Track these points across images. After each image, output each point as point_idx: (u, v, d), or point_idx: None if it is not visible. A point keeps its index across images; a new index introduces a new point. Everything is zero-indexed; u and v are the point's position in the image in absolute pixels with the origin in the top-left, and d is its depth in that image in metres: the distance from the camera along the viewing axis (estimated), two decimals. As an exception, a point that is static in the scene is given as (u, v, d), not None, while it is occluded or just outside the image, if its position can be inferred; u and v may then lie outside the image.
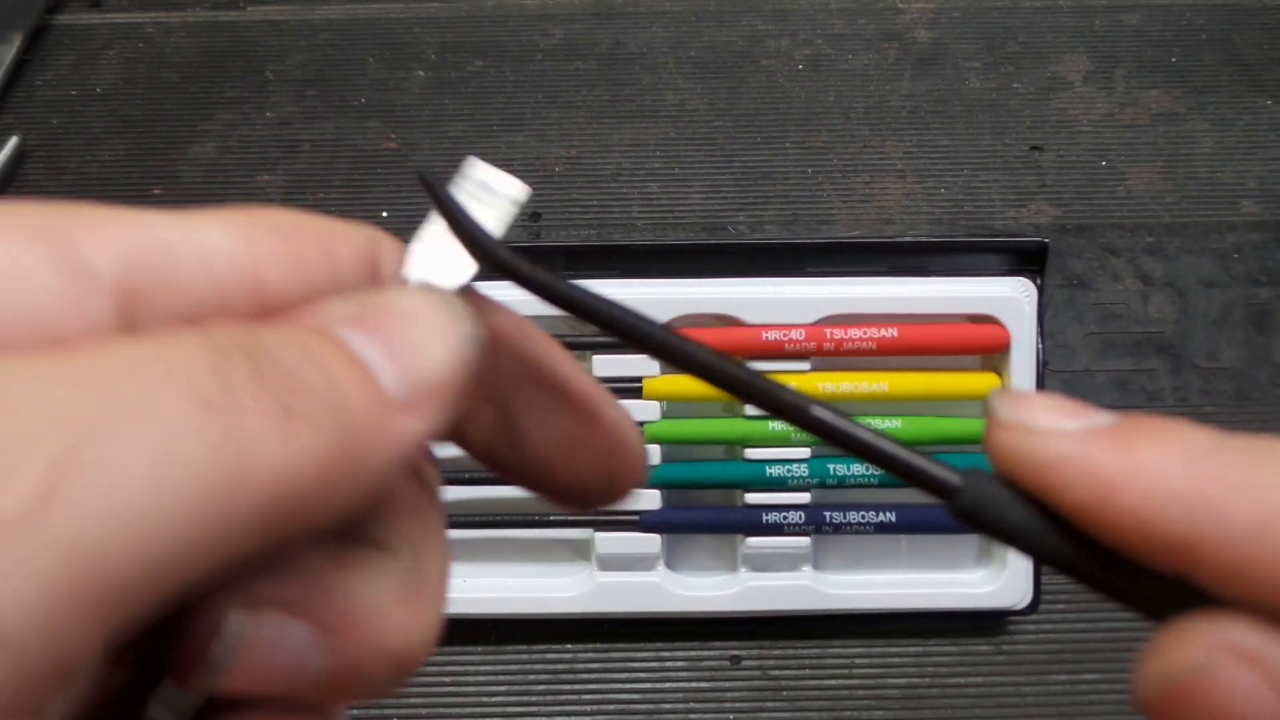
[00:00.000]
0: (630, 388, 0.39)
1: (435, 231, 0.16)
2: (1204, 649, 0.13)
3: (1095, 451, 0.14)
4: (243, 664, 0.13)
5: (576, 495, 0.18)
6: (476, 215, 0.16)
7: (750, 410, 0.39)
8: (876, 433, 0.15)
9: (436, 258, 0.16)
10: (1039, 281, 0.40)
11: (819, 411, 0.15)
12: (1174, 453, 0.13)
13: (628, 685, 0.41)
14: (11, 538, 0.10)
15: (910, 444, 0.15)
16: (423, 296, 0.15)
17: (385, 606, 0.14)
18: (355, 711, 0.40)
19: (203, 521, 0.11)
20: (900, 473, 0.15)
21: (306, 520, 0.12)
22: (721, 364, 0.15)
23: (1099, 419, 0.14)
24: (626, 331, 0.15)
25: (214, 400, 0.11)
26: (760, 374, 0.15)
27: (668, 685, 0.41)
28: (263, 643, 0.13)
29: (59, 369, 0.11)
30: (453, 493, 0.39)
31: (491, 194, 0.16)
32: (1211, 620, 0.13)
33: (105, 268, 0.13)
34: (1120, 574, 0.14)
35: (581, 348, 0.39)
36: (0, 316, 0.12)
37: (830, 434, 0.15)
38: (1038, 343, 0.39)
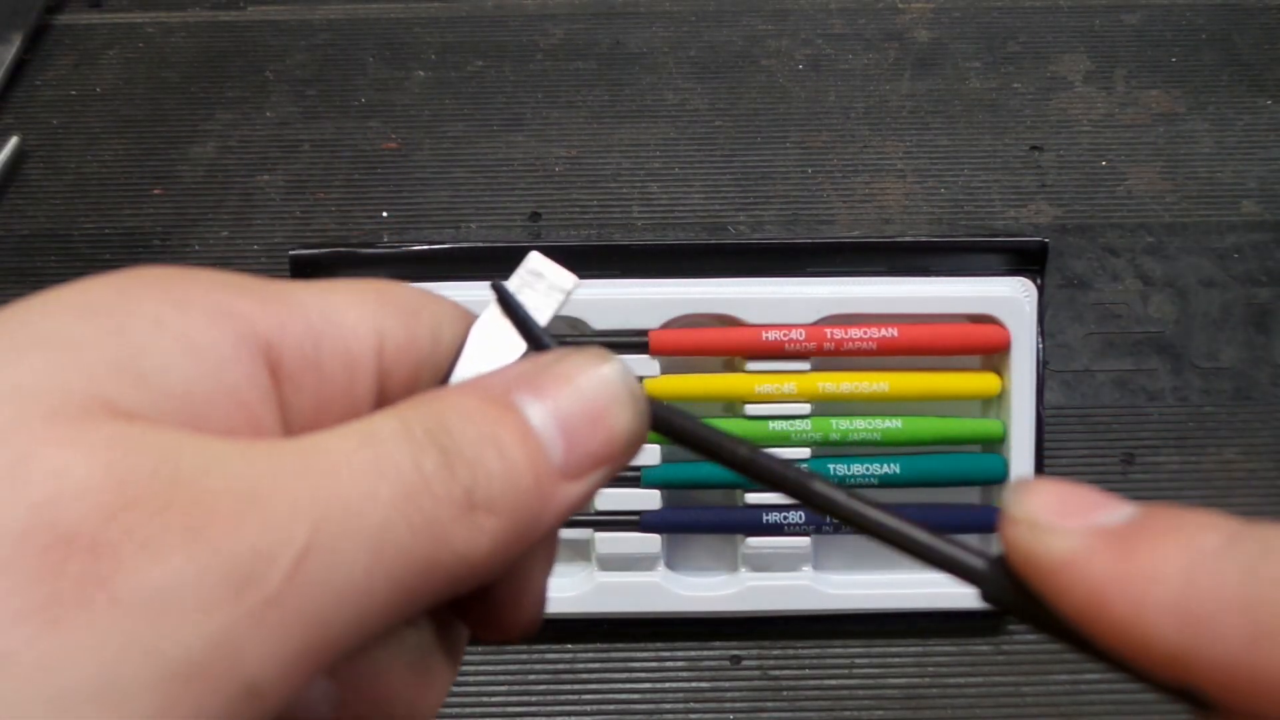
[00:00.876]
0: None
1: (492, 321, 0.17)
2: None
3: (1095, 557, 0.13)
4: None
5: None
6: (528, 302, 0.17)
7: (750, 410, 0.39)
8: (907, 520, 0.15)
9: (494, 346, 0.17)
10: (1039, 281, 0.40)
11: (862, 509, 0.15)
12: (1174, 561, 0.13)
13: (628, 685, 0.41)
14: (272, 612, 0.12)
15: (939, 534, 0.15)
16: (599, 366, 0.16)
17: (398, 675, 0.16)
18: (355, 711, 0.40)
19: (401, 596, 0.13)
20: (925, 559, 0.15)
21: (472, 584, 0.14)
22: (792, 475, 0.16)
23: (1111, 516, 0.14)
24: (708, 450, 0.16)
25: (414, 492, 0.13)
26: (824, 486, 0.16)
27: (668, 685, 0.41)
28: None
29: (293, 461, 0.13)
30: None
31: (544, 283, 0.18)
32: None
33: (271, 348, 0.15)
34: (1134, 675, 0.13)
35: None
36: (199, 390, 0.14)
37: (855, 521, 0.15)
38: (1038, 343, 0.39)
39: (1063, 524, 0.14)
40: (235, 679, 0.12)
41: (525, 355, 0.17)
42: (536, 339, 0.17)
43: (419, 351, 0.16)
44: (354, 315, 0.16)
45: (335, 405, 0.16)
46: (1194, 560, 0.13)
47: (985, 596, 0.15)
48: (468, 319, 0.17)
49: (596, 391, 0.15)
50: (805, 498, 0.16)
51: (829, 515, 0.15)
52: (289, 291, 0.16)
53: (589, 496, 0.15)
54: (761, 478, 0.16)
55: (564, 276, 0.18)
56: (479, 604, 0.17)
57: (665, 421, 0.16)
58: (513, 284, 0.17)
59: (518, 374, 0.15)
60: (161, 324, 0.14)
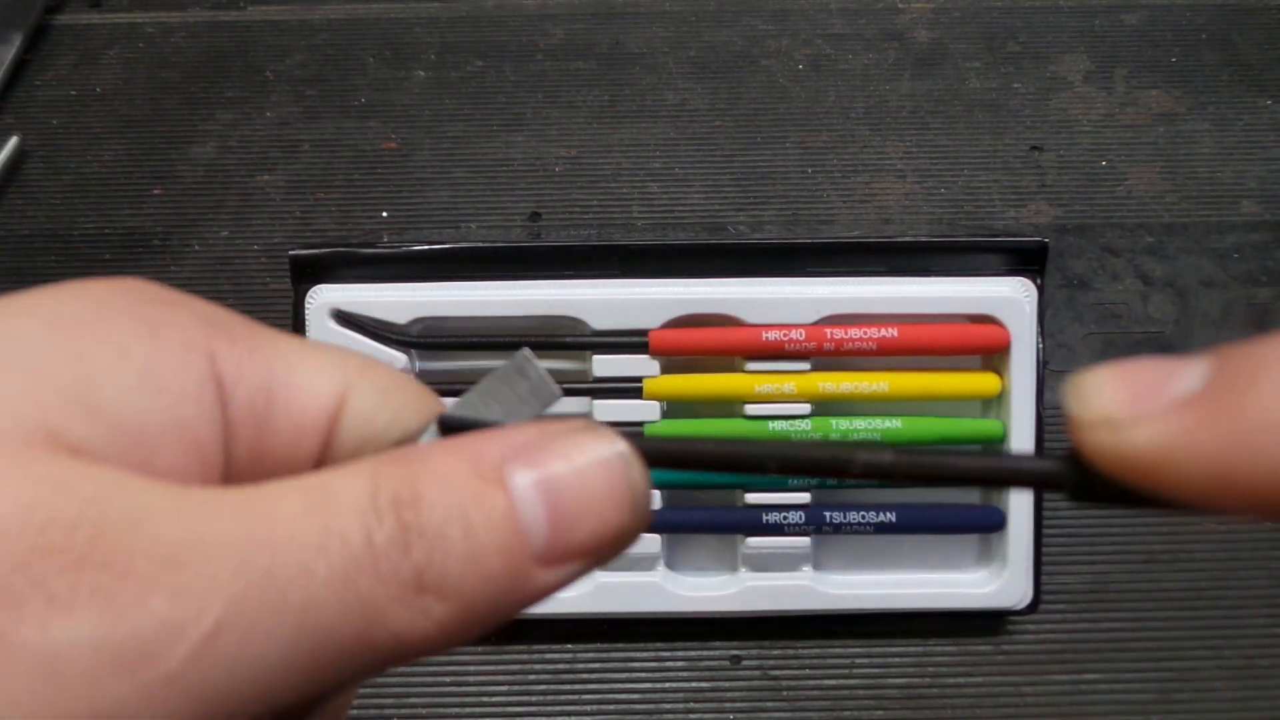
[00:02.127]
0: (630, 388, 0.39)
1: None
2: None
3: (1197, 432, 0.12)
4: None
5: None
6: (497, 402, 0.16)
7: (750, 410, 0.39)
8: (960, 454, 0.14)
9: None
10: (1039, 281, 0.40)
11: (894, 457, 0.14)
12: (1277, 398, 0.11)
13: (628, 685, 0.41)
14: (165, 689, 0.12)
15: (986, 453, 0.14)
16: (605, 447, 0.14)
17: None
18: (355, 712, 0.40)
19: (319, 673, 0.13)
20: (1000, 481, 0.14)
21: (415, 661, 0.14)
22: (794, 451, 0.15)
23: (1187, 381, 0.12)
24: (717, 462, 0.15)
25: (355, 570, 0.13)
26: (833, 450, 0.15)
27: (668, 685, 0.41)
28: None
29: (228, 521, 0.12)
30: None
31: (525, 386, 0.16)
32: None
33: (235, 388, 0.15)
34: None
35: (581, 348, 0.39)
36: (152, 426, 0.14)
37: (914, 474, 0.14)
38: (1038, 343, 0.39)
39: (1144, 411, 0.12)
40: None
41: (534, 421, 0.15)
42: None
43: (374, 429, 0.16)
44: (320, 378, 0.15)
45: (272, 459, 0.15)
46: None
47: (1075, 498, 0.14)
48: (435, 411, 0.16)
49: (597, 477, 0.14)
50: (848, 473, 0.14)
51: (879, 479, 0.14)
52: (262, 337, 0.15)
53: (565, 585, 0.14)
54: (801, 470, 0.15)
55: (548, 388, 0.16)
56: None
57: (685, 456, 0.15)
58: (491, 378, 0.16)
59: (520, 442, 0.14)
60: (126, 352, 0.14)
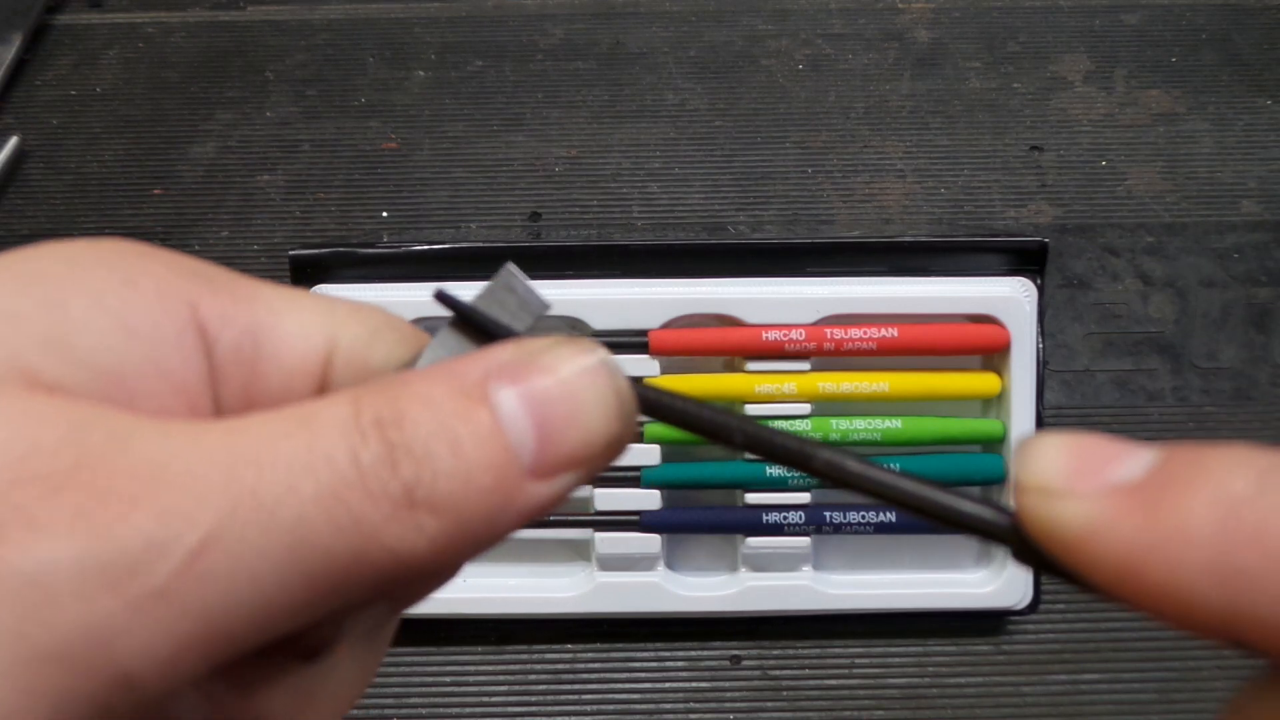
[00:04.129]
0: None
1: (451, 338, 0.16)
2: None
3: (1118, 522, 0.12)
4: None
5: None
6: (500, 319, 0.16)
7: (750, 410, 0.39)
8: (925, 484, 0.14)
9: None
10: (1039, 281, 0.40)
11: (856, 466, 0.14)
12: (1204, 515, 0.11)
13: (628, 685, 0.41)
14: (158, 605, 0.12)
15: (952, 493, 0.14)
16: (586, 358, 0.14)
17: (279, 701, 0.15)
18: (355, 712, 0.40)
19: (317, 592, 0.13)
20: (950, 522, 0.14)
21: (415, 582, 0.14)
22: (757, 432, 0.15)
23: (1128, 469, 0.12)
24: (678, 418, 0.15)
25: (347, 485, 0.13)
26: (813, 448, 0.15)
27: (668, 685, 0.41)
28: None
29: (212, 444, 0.13)
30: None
31: (514, 300, 0.16)
32: (1256, 706, 0.12)
33: (220, 334, 0.15)
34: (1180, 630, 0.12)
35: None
36: (132, 370, 0.14)
37: (869, 489, 0.14)
38: (1038, 343, 0.39)
39: (1078, 488, 0.13)
40: (108, 669, 0.11)
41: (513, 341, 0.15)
42: (505, 334, 0.16)
43: (369, 368, 0.16)
44: (307, 322, 0.15)
45: (265, 403, 0.15)
46: (1226, 511, 0.11)
47: (1015, 555, 0.14)
48: (424, 340, 0.16)
49: (580, 386, 0.14)
50: (809, 468, 0.15)
51: (835, 483, 0.14)
52: (246, 286, 0.15)
53: (560, 499, 0.14)
54: (763, 452, 0.15)
55: (537, 299, 0.16)
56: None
57: (659, 405, 0.15)
58: (480, 298, 0.16)
59: (500, 361, 0.14)
60: (102, 301, 0.14)
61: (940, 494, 0.14)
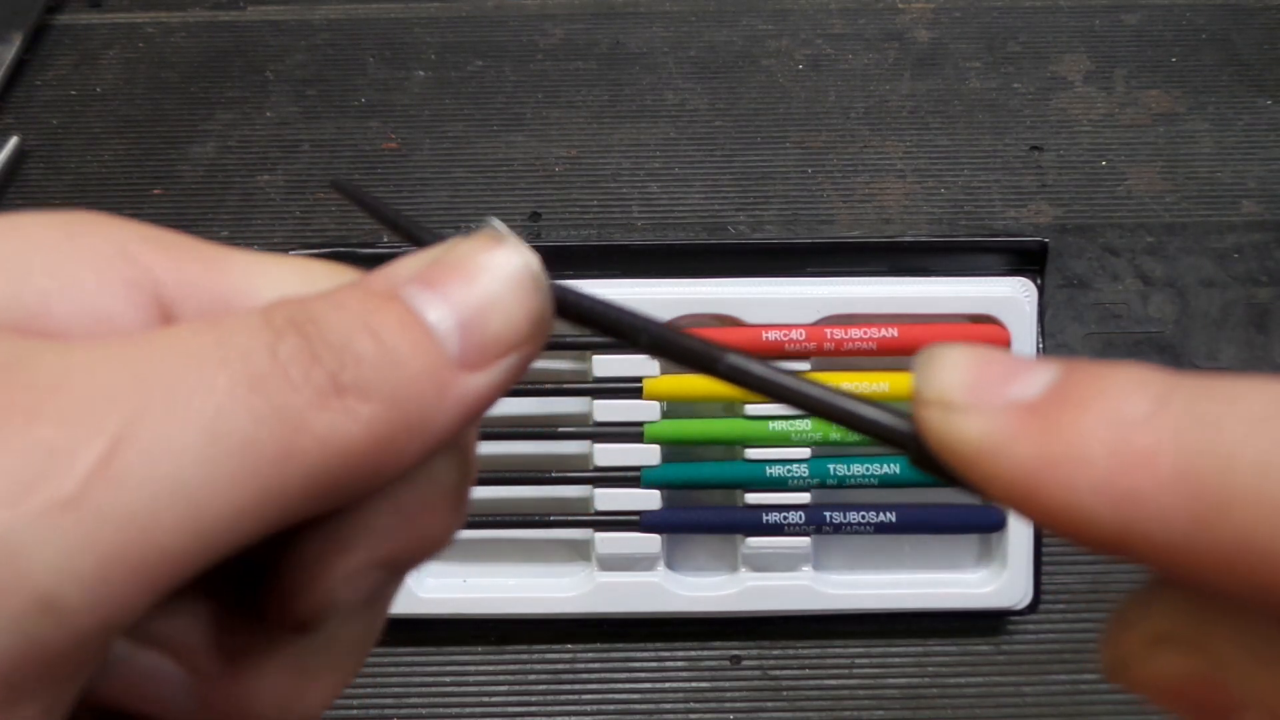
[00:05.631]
0: (630, 388, 0.39)
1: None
2: (1138, 642, 0.13)
3: (1015, 439, 0.12)
4: (117, 682, 0.14)
5: None
6: None
7: (750, 410, 0.39)
8: (828, 389, 0.14)
9: None
10: (1039, 281, 0.40)
11: (747, 364, 0.14)
12: (1098, 435, 0.11)
13: (628, 685, 0.41)
14: (67, 515, 0.11)
15: (860, 397, 0.14)
16: (494, 247, 0.14)
17: (270, 676, 0.14)
18: (354, 711, 0.40)
19: (250, 491, 0.12)
20: (849, 425, 0.14)
21: (361, 482, 0.13)
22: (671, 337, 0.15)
23: (1028, 386, 0.12)
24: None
25: (264, 376, 0.12)
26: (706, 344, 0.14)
27: (668, 685, 0.41)
28: (138, 671, 0.14)
29: (117, 351, 0.12)
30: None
31: None
32: (1140, 612, 0.13)
33: (167, 304, 0.14)
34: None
35: (581, 348, 0.39)
36: (58, 306, 0.13)
37: (773, 392, 0.14)
38: (1038, 343, 0.39)
39: (977, 402, 0.12)
40: (21, 588, 0.11)
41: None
42: (415, 236, 0.15)
43: None
44: (283, 286, 0.15)
45: None
46: (1120, 433, 0.11)
47: (913, 462, 0.14)
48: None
49: (494, 277, 0.14)
50: (714, 371, 0.14)
51: (742, 387, 0.14)
52: (215, 253, 0.15)
53: (500, 389, 0.14)
54: (669, 355, 0.14)
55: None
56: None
57: (572, 306, 0.15)
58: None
59: (406, 269, 0.14)
60: (33, 244, 0.13)
61: (842, 398, 0.14)
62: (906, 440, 0.13)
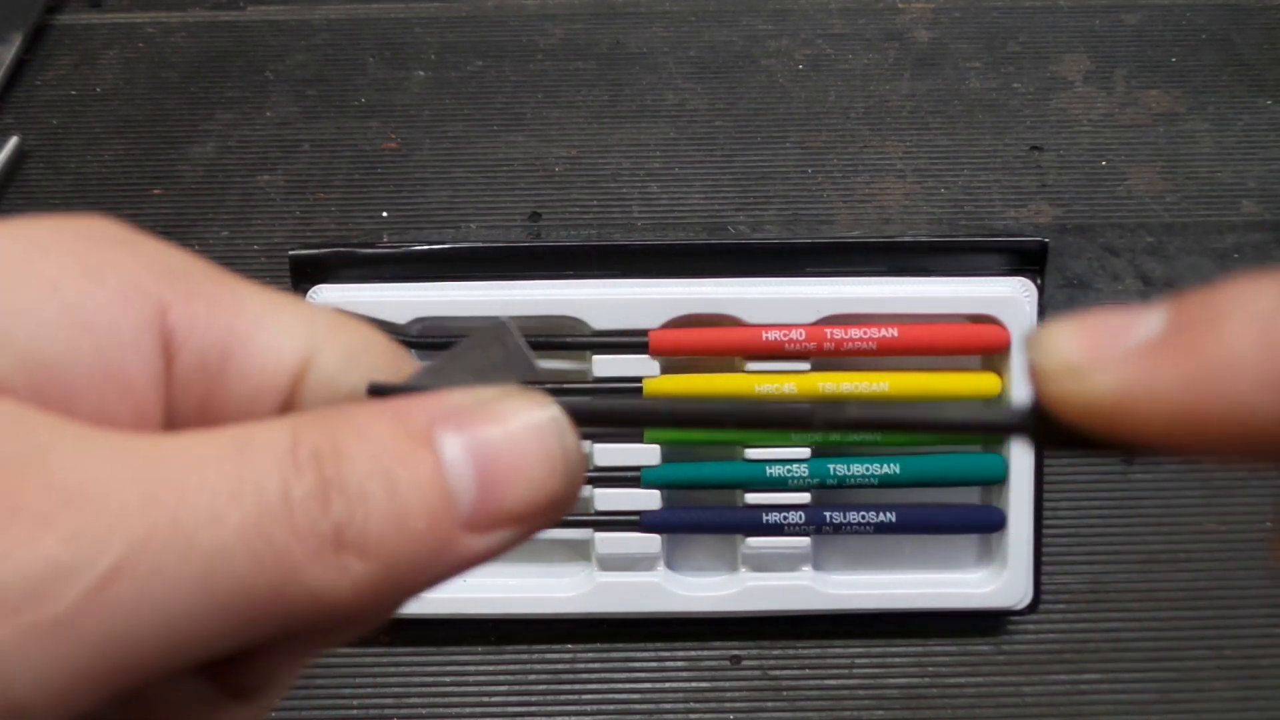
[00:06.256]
0: (630, 388, 0.39)
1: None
2: None
3: (1158, 374, 0.12)
4: None
5: None
6: (468, 364, 0.15)
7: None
8: (922, 409, 0.14)
9: None
10: (1039, 281, 0.40)
11: (853, 410, 0.14)
12: (1244, 336, 0.12)
13: (628, 685, 0.41)
14: (54, 634, 0.11)
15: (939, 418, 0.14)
16: (537, 412, 0.14)
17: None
18: (354, 711, 0.40)
19: (230, 625, 0.12)
20: (959, 434, 0.14)
21: (334, 624, 0.13)
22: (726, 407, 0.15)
23: (1146, 327, 0.12)
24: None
25: (274, 518, 0.12)
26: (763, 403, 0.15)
27: (668, 685, 0.41)
28: None
29: (138, 462, 0.12)
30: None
31: (501, 354, 0.15)
32: None
33: (187, 341, 0.14)
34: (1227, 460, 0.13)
35: (581, 348, 0.39)
36: (77, 367, 0.13)
37: (875, 425, 0.14)
38: (1038, 343, 0.39)
39: (1102, 357, 0.12)
40: None
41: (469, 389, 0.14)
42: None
43: (338, 393, 0.15)
44: (284, 336, 0.15)
45: (224, 418, 0.14)
46: (1262, 327, 0.12)
47: (1039, 442, 0.14)
48: (405, 375, 0.15)
49: (528, 440, 0.13)
50: (812, 426, 0.14)
51: (838, 432, 0.15)
52: (225, 289, 0.15)
53: (494, 555, 0.13)
54: (762, 426, 0.15)
55: (525, 358, 0.15)
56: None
57: (669, 415, 0.15)
58: (464, 345, 0.15)
59: (450, 405, 0.13)
60: (55, 289, 0.13)
61: (952, 412, 0.14)
62: (1026, 423, 0.13)
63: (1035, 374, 0.13)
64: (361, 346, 0.15)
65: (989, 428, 0.14)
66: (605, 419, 0.15)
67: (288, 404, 0.15)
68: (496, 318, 0.15)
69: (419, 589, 0.13)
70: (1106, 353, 0.12)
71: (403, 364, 0.16)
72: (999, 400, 0.40)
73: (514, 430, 0.13)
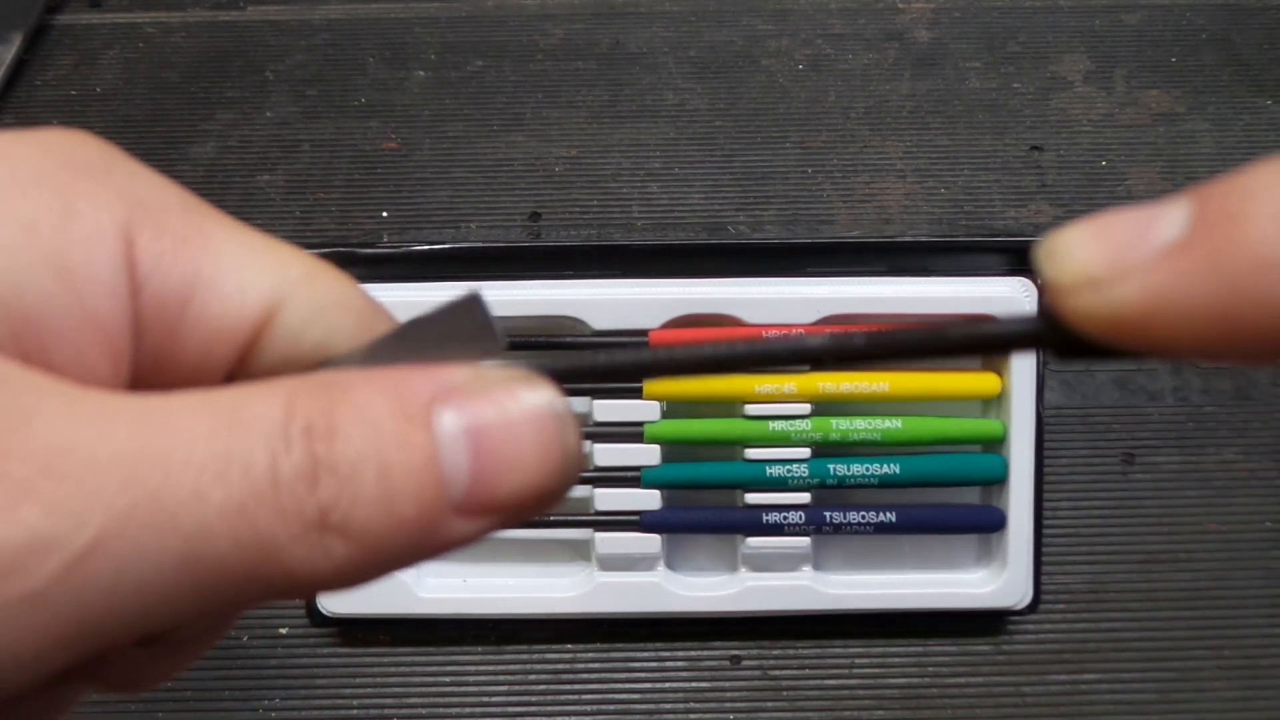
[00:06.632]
0: (630, 387, 0.39)
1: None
2: None
3: (1187, 277, 0.11)
4: None
5: None
6: (447, 350, 0.14)
7: (750, 410, 0.39)
8: (935, 327, 0.13)
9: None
10: (1039, 281, 0.40)
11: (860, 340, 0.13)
12: (1272, 228, 0.11)
13: (628, 685, 0.41)
14: (29, 606, 0.11)
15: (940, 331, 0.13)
16: (538, 395, 0.13)
17: (121, 668, 0.14)
18: (354, 711, 0.40)
19: (204, 601, 0.12)
20: (984, 346, 0.13)
21: (297, 594, 0.13)
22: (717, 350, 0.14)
23: (1167, 227, 0.11)
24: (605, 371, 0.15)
25: (260, 498, 0.12)
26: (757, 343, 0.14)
27: (668, 685, 0.41)
28: None
29: (123, 430, 0.11)
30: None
31: (468, 329, 0.14)
32: None
33: (148, 281, 0.13)
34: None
35: (581, 348, 0.39)
36: (56, 314, 0.13)
37: (880, 351, 0.13)
38: (1038, 343, 0.39)
39: (1124, 265, 0.11)
40: None
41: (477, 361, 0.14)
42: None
43: (299, 349, 0.14)
44: (251, 282, 0.14)
45: (180, 363, 0.14)
46: None
47: (1062, 356, 0.13)
48: (371, 336, 0.15)
49: (527, 430, 0.13)
50: (809, 358, 0.14)
51: (844, 361, 0.14)
52: (196, 225, 0.14)
53: (482, 537, 0.13)
54: (765, 361, 0.14)
55: (492, 335, 0.14)
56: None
57: (652, 364, 0.14)
58: (431, 313, 0.14)
59: (451, 384, 0.13)
60: (34, 230, 0.12)
61: (968, 328, 0.13)
62: (1047, 335, 0.13)
63: (1052, 288, 0.12)
64: (333, 301, 0.15)
65: (1005, 342, 0.13)
66: (606, 373, 0.15)
67: (244, 354, 0.14)
68: (471, 289, 0.14)
69: (401, 567, 0.13)
70: (1128, 259, 0.11)
71: (376, 323, 0.15)
72: (999, 400, 0.40)
73: (514, 418, 0.13)
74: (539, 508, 0.13)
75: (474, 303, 0.14)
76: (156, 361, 0.14)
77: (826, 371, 0.38)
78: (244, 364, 0.14)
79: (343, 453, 0.12)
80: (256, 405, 0.12)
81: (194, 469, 0.11)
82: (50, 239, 0.13)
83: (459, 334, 0.14)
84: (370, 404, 0.12)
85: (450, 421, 0.13)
